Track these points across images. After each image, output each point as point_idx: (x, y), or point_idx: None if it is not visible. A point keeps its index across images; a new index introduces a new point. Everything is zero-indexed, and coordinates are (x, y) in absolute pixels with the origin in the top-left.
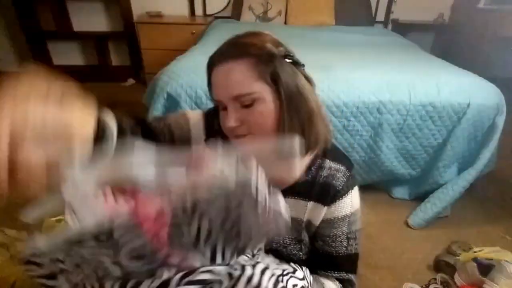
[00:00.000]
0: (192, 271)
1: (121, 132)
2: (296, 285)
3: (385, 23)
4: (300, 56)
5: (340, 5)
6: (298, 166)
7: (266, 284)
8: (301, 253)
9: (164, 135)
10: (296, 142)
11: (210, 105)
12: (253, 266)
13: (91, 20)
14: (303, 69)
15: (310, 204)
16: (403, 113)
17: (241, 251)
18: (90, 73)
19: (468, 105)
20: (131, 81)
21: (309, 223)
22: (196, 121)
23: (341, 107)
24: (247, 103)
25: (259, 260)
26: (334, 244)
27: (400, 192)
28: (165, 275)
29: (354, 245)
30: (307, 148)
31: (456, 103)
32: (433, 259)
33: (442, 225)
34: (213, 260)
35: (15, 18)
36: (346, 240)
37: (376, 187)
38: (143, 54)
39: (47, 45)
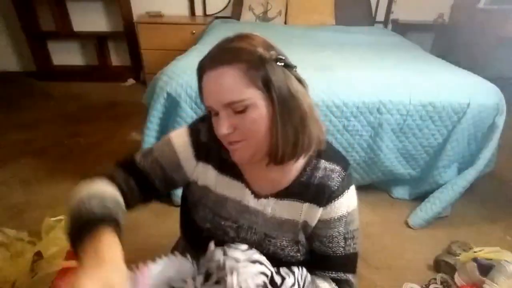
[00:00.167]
0: None
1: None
2: None
3: (385, 23)
4: (300, 56)
5: (340, 5)
6: (292, 169)
7: None
8: (298, 254)
9: (155, 171)
10: None
11: None
12: None
13: (91, 20)
14: (295, 70)
15: (306, 205)
16: (403, 113)
17: None
18: (90, 73)
19: (468, 105)
20: (131, 81)
21: (305, 224)
22: (182, 141)
23: (341, 107)
24: (239, 109)
25: (255, 254)
26: (331, 244)
27: (400, 192)
28: None
29: (352, 245)
30: (300, 151)
31: (456, 103)
32: (433, 259)
33: (442, 225)
34: None
35: (15, 18)
36: (343, 240)
37: (376, 187)
38: (143, 54)
39: (47, 45)
